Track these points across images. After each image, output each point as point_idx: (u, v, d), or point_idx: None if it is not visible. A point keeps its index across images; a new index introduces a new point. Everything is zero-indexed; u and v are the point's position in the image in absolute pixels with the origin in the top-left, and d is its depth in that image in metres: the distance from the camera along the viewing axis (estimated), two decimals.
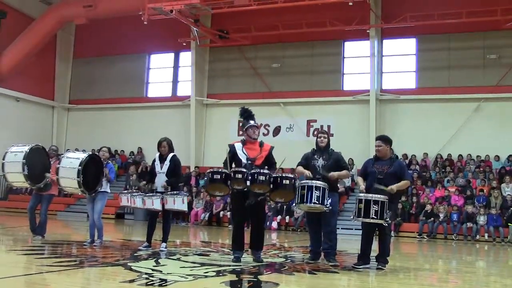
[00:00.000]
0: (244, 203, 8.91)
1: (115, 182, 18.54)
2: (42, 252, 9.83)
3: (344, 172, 9.47)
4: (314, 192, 8.77)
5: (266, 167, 9.10)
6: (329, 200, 8.89)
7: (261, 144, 9.37)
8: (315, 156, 9.40)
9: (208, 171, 9.39)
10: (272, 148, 9.40)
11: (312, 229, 9.53)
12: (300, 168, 9.45)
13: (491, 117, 23.14)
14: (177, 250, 11.06)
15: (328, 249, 9.24)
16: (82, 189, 10.59)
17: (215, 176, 9.02)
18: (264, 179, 8.74)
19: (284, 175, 9.09)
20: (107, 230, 13.59)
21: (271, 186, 8.85)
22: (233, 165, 9.19)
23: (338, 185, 9.47)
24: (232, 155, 9.27)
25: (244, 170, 8.82)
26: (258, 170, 8.83)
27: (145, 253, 9.85)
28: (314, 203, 8.78)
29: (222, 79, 27.64)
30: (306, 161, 9.46)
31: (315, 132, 25.13)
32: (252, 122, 9.40)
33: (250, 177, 8.75)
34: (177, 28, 25.90)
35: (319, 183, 8.86)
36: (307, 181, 8.96)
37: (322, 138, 9.51)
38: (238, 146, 9.31)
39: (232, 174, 8.85)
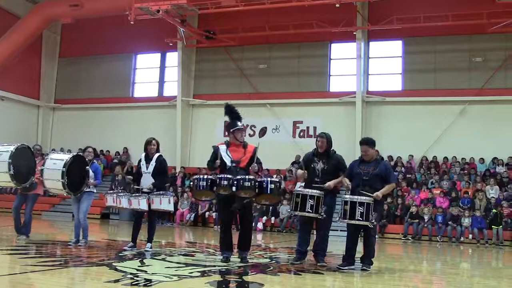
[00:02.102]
0: (230, 206, 8.94)
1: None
2: (26, 252, 9.78)
3: (339, 178, 9.30)
4: (308, 201, 8.80)
5: (253, 165, 9.11)
6: (324, 208, 8.89)
7: (245, 146, 9.35)
8: (316, 159, 9.31)
9: (194, 177, 9.43)
10: (256, 148, 9.37)
11: (304, 229, 9.52)
12: (300, 171, 9.45)
13: (476, 119, 23.29)
14: (162, 250, 11.04)
15: (319, 250, 9.27)
16: (67, 190, 10.54)
17: (200, 183, 9.02)
18: (249, 184, 8.76)
19: (269, 180, 9.06)
20: (93, 230, 13.56)
21: (257, 190, 8.86)
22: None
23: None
24: (216, 156, 9.25)
25: (230, 176, 8.80)
26: (244, 175, 8.85)
27: (130, 253, 9.82)
28: (308, 211, 8.81)
29: (208, 80, 27.62)
30: (307, 164, 9.36)
31: (301, 134, 25.25)
32: (239, 124, 9.36)
33: (235, 183, 8.75)
34: (164, 28, 25.86)
35: (314, 192, 8.85)
36: (302, 189, 8.94)
37: (320, 143, 9.31)
38: (223, 148, 9.29)
39: (217, 180, 8.83)
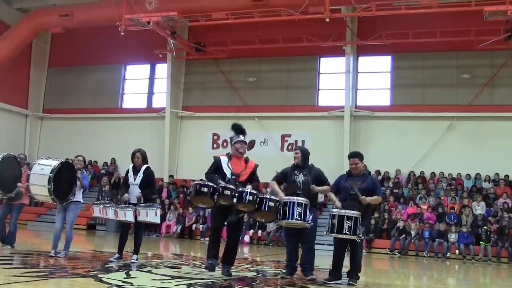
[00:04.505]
0: (225, 216, 8.92)
1: (87, 192, 18.35)
2: (11, 262, 9.70)
3: (325, 187, 9.43)
4: (296, 209, 8.76)
5: (249, 184, 9.10)
6: (311, 216, 8.90)
7: (247, 161, 9.36)
8: (296, 172, 9.38)
9: (196, 182, 9.25)
10: (257, 166, 9.40)
11: (291, 243, 9.51)
12: (275, 186, 9.46)
13: (464, 135, 23.43)
14: (148, 262, 10.98)
15: (306, 264, 9.25)
16: (53, 197, 10.25)
17: (202, 189, 8.87)
18: (251, 199, 8.72)
19: (270, 197, 9.05)
20: (79, 241, 13.49)
21: (257, 206, 8.85)
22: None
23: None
24: (216, 167, 9.22)
25: (233, 187, 8.75)
26: (246, 189, 8.81)
27: (116, 265, 9.76)
28: (296, 219, 8.76)
29: (197, 92, 27.63)
30: (285, 177, 9.44)
31: (289, 147, 25.24)
32: (242, 137, 9.38)
33: (237, 195, 8.72)
34: (154, 40, 25.84)
35: (301, 199, 8.85)
36: (289, 197, 8.94)
37: (294, 155, 9.57)
38: (224, 160, 9.27)
39: (220, 189, 8.75)
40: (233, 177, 9.05)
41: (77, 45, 29.11)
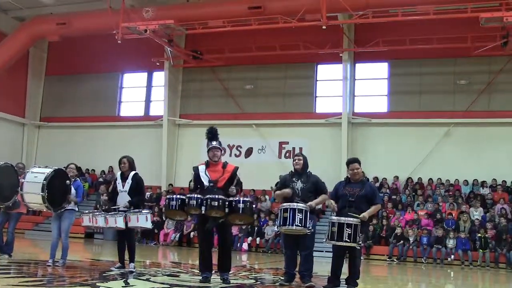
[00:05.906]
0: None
1: (85, 201, 18.31)
2: (8, 271, 9.67)
3: (321, 198, 9.35)
4: (297, 215, 8.73)
5: (231, 188, 9.05)
6: (311, 223, 8.88)
7: (224, 166, 9.27)
8: (294, 179, 9.34)
9: (166, 197, 9.39)
10: (236, 168, 9.32)
11: (289, 250, 9.46)
12: (278, 192, 9.44)
13: (461, 142, 23.44)
14: (147, 270, 10.96)
15: (304, 271, 9.22)
16: (47, 204, 10.11)
17: (171, 203, 9.03)
18: (217, 204, 8.66)
19: (239, 199, 8.91)
20: (76, 250, 13.44)
21: (227, 210, 8.76)
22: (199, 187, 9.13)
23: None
24: (196, 177, 9.20)
25: (199, 196, 8.75)
26: (213, 195, 8.73)
27: (114, 273, 9.72)
28: (297, 225, 8.74)
29: (195, 100, 27.63)
30: (284, 184, 9.42)
31: (287, 154, 25.23)
32: (214, 143, 9.30)
33: (204, 203, 8.68)
34: (151, 48, 25.87)
35: (301, 205, 8.82)
36: (289, 203, 8.91)
37: (297, 160, 9.48)
38: (202, 168, 9.23)
39: (186, 200, 8.82)
40: (211, 184, 9.01)
41: (74, 54, 29.10)
